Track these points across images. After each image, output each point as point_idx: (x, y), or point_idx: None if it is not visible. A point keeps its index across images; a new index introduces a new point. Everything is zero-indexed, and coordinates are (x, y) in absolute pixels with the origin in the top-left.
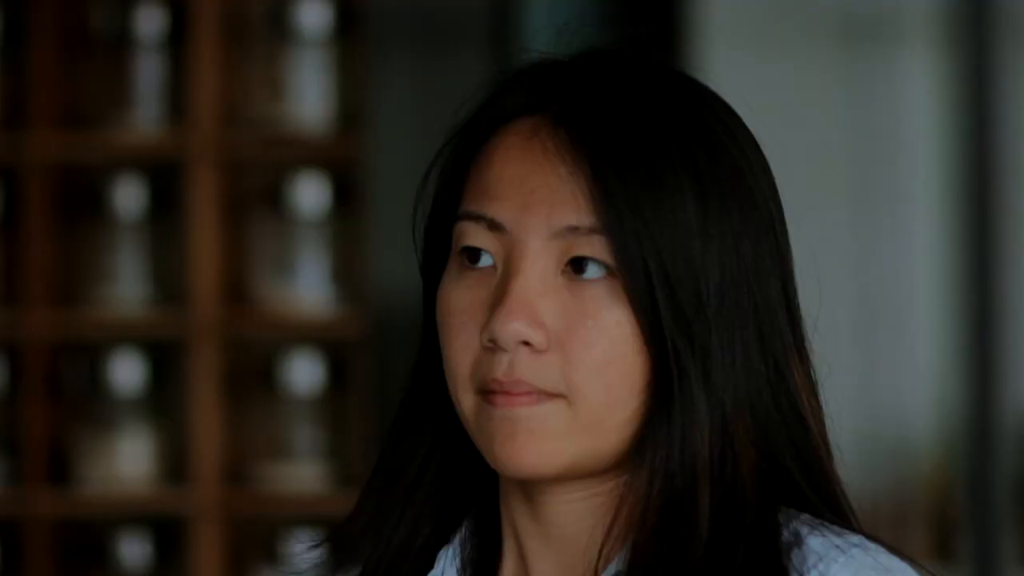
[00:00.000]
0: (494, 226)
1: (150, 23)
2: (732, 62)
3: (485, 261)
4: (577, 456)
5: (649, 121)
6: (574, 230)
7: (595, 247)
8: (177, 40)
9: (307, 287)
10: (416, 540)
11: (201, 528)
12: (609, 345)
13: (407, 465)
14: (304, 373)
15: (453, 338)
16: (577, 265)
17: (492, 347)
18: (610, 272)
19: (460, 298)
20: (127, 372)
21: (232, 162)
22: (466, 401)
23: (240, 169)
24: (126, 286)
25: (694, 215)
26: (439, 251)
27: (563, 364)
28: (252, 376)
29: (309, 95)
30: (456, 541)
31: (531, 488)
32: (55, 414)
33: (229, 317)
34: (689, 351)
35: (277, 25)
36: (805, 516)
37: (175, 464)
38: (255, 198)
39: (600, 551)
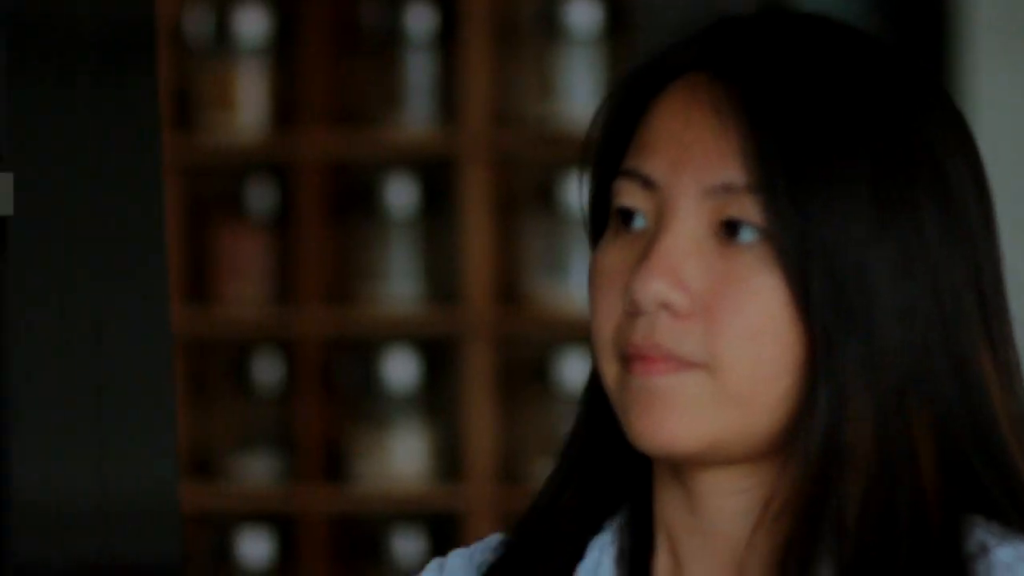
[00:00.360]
0: (647, 183)
1: (420, 21)
2: (1004, 59)
3: (638, 223)
4: (720, 434)
5: (821, 81)
6: (727, 188)
7: (748, 208)
8: (448, 39)
9: (579, 286)
10: (566, 525)
11: (475, 525)
12: (758, 313)
13: (566, 449)
14: (577, 372)
15: (598, 301)
16: (730, 228)
17: (633, 310)
18: (765, 237)
19: (609, 260)
20: (400, 369)
21: (503, 161)
22: (609, 370)
23: (511, 167)
24: (399, 283)
25: (865, 184)
26: (604, 216)
27: (706, 331)
28: (525, 374)
29: (579, 93)
30: (611, 530)
31: (685, 475)
32: (329, 411)
33: (502, 315)
34: (846, 328)
35: (547, 24)
36: (993, 524)
37: (449, 461)
38: (526, 196)
39: (750, 540)
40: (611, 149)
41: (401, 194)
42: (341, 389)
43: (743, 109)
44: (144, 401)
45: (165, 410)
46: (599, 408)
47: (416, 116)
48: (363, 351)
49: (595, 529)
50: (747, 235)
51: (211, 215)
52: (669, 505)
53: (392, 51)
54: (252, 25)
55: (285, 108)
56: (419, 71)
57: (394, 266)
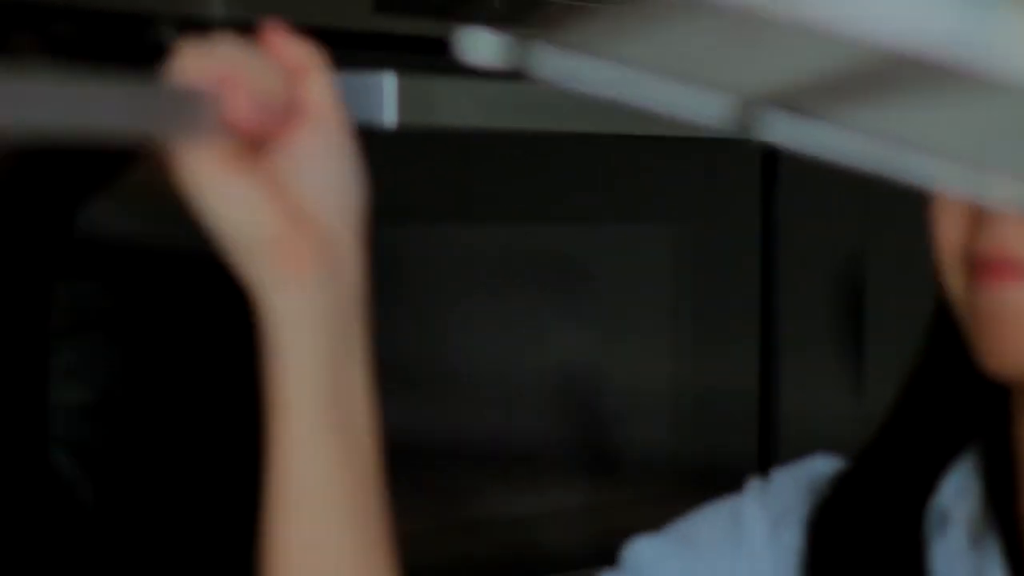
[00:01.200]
0: None
1: None
2: None
3: None
4: None
5: None
6: None
7: None
8: None
9: None
10: (916, 457)
11: None
12: None
13: (914, 373)
14: None
15: (941, 208)
16: None
17: (979, 215)
18: None
19: None
20: None
21: None
22: (954, 283)
23: None
24: None
25: None
26: None
27: None
28: None
29: None
30: (966, 465)
31: None
32: None
33: None
34: None
35: None
36: None
37: None
38: None
39: None
40: None
41: None
42: None
43: None
44: (907, 330)
45: None
46: (948, 328)
47: None
48: None
49: (947, 463)
50: None
51: None
52: None
53: None
54: None
55: None
56: None
57: None
